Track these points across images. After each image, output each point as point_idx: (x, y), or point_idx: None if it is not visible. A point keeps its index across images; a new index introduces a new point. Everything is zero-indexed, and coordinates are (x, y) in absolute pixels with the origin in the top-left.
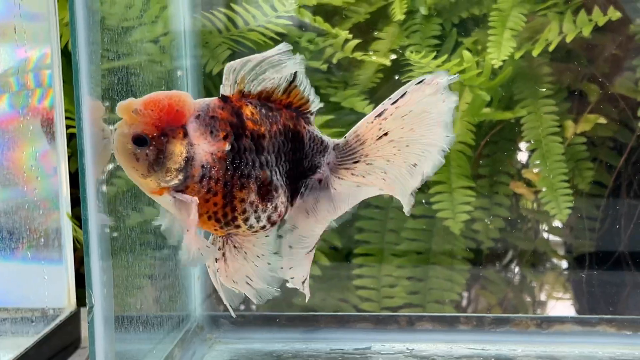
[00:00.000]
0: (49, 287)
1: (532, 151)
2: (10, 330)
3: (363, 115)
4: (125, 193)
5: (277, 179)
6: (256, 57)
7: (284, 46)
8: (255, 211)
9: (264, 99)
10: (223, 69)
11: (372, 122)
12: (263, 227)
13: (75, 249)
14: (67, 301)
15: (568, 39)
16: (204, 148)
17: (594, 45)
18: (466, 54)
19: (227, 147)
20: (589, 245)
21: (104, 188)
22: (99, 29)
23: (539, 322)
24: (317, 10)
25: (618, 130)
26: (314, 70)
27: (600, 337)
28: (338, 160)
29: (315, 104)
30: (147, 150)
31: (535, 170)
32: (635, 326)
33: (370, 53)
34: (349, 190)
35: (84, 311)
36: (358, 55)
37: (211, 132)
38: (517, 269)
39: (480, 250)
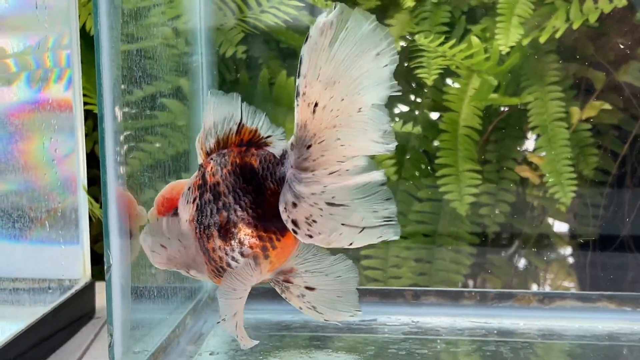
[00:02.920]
0: (65, 260)
1: (538, 136)
2: (28, 299)
3: None
4: (142, 171)
5: (237, 216)
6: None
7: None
8: (227, 253)
9: (222, 147)
10: (236, 51)
11: (299, 104)
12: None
13: (90, 225)
14: (82, 273)
15: (575, 26)
16: (184, 217)
17: (601, 33)
18: (474, 39)
19: (194, 208)
20: (592, 230)
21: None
22: (119, 13)
23: (540, 297)
24: None
25: (623, 118)
26: None
27: (600, 313)
28: (297, 156)
29: (265, 129)
30: None
31: (541, 154)
32: (635, 302)
33: None
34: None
35: (98, 284)
36: None
37: (187, 202)
38: (521, 253)
39: (486, 233)
